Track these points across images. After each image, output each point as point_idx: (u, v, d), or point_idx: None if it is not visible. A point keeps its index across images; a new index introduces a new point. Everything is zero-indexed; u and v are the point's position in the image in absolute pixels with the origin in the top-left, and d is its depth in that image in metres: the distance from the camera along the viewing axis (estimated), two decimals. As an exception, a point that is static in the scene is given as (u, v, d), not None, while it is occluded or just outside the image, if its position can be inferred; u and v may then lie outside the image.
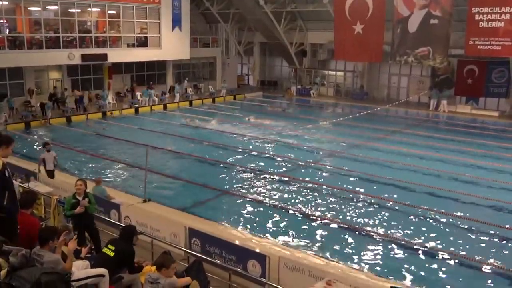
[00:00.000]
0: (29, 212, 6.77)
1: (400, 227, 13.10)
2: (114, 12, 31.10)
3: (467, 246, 12.04)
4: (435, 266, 11.07)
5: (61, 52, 28.07)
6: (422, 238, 12.45)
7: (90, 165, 18.71)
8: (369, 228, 12.99)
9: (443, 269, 10.95)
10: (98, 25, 31.21)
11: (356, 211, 14.26)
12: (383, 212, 14.18)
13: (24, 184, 12.48)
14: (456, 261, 11.33)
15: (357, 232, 12.75)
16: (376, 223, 13.38)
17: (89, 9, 29.98)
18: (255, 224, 13.17)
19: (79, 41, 29.02)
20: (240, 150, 21.24)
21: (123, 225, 9.25)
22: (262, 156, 20.42)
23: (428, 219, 13.76)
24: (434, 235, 12.62)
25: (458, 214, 13.99)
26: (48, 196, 11.33)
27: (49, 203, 10.71)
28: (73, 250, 6.06)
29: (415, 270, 10.83)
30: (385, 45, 31.76)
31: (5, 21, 26.75)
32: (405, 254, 11.62)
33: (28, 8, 27.54)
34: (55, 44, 27.99)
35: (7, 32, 26.74)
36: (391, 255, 11.59)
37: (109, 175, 17.38)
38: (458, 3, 28.25)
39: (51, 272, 4.76)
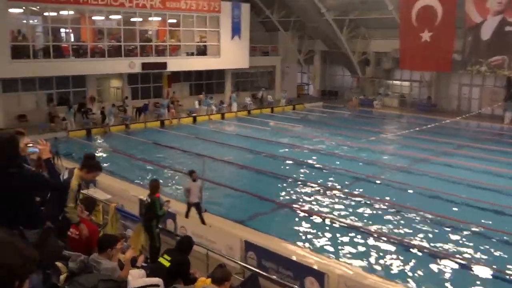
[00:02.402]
0: (88, 218, 7.03)
1: (469, 250, 12.51)
2: (175, 20, 32.02)
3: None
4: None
5: (123, 61, 29.21)
6: (501, 263, 11.82)
7: (147, 172, 19.23)
8: (435, 249, 12.49)
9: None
10: (158, 34, 32.25)
11: (420, 230, 13.77)
12: (450, 234, 13.62)
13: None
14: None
15: (420, 253, 12.30)
16: (441, 243, 12.85)
17: (150, 18, 31.05)
18: (313, 240, 13.03)
19: (140, 50, 30.08)
20: (298, 162, 21.16)
21: (179, 235, 9.40)
22: (320, 169, 20.24)
23: (504, 243, 13.07)
24: None
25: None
26: (106, 203, 11.72)
27: (107, 210, 11.06)
28: (130, 259, 6.21)
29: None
30: (454, 54, 30.72)
31: (71, 30, 28.22)
32: (478, 281, 11.05)
33: (92, 18, 28.90)
34: (117, 52, 29.18)
35: (72, 41, 28.20)
36: (459, 279, 11.08)
37: (166, 184, 17.79)
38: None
39: (108, 280, 4.89)
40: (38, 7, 26.43)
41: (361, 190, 17.30)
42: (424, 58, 31.65)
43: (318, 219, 14.49)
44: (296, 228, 13.85)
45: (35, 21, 28.03)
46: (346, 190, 17.23)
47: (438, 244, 12.79)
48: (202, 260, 9.46)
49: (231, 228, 12.38)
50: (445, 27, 30.41)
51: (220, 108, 34.00)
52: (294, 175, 19.02)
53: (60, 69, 26.67)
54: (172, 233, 11.61)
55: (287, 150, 23.43)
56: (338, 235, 13.35)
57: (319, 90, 43.36)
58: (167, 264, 6.79)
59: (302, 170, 19.98)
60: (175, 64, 31.57)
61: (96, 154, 8.92)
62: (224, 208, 15.10)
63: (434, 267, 11.55)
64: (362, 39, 37.71)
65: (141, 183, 17.45)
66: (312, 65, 43.68)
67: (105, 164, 20.24)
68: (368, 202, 16.07)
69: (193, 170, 13.43)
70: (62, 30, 28.47)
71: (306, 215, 14.89)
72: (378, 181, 18.63)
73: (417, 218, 14.70)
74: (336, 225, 14.11)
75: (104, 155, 22.38)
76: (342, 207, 15.64)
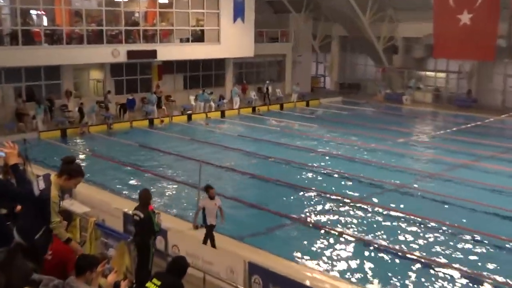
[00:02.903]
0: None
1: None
2: (166, 1, 32.12)
3: None
4: None
5: (104, 48, 29.31)
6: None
7: (133, 181, 19.27)
8: (481, 276, 12.41)
9: None
10: (147, 17, 32.35)
11: (459, 250, 13.71)
12: (495, 255, 13.55)
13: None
14: None
15: (464, 279, 12.22)
16: (486, 268, 12.79)
17: (137, -2, 31.21)
18: (329, 261, 12.99)
19: (125, 35, 30.19)
20: (312, 168, 21.15)
21: (171, 255, 9.40)
22: (339, 176, 20.20)
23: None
24: None
25: None
26: (84, 217, 11.70)
27: (86, 226, 11.06)
28: (113, 283, 6.20)
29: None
30: (499, 39, 30.62)
31: (43, 12, 28.32)
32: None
33: (69, -3, 29.05)
34: (98, 38, 29.30)
35: (44, 25, 28.29)
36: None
37: (155, 193, 17.77)
38: None
39: (87, 309, 4.88)
40: (4, -15, 26.63)
41: (387, 202, 17.23)
42: (462, 45, 31.56)
43: (336, 237, 14.44)
44: (310, 247, 13.80)
45: (1, 1, 28.16)
46: (369, 202, 17.16)
47: (482, 268, 12.73)
48: (198, 285, 9.45)
49: (232, 247, 12.35)
50: (488, 8, 30.32)
51: (220, 104, 34.09)
52: (308, 184, 18.97)
53: (30, 58, 26.73)
54: (162, 253, 11.60)
55: (299, 154, 23.38)
56: (360, 256, 13.29)
57: (338, 83, 43.38)
58: (156, 290, 6.76)
59: (317, 178, 19.94)
60: (167, 52, 31.65)
61: (75, 157, 8.81)
62: (224, 223, 15.07)
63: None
64: (389, 22, 37.66)
65: (126, 193, 17.47)
66: (329, 54, 43.68)
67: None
68: (396, 216, 16.00)
69: (210, 186, 13.08)
70: (33, 12, 28.56)
71: (322, 231, 14.83)
72: (408, 192, 18.56)
73: (457, 236, 14.63)
74: (358, 244, 14.04)
75: (82, 160, 22.43)
76: (365, 222, 15.58)
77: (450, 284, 11.86)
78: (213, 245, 12.44)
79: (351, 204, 17.09)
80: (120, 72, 31.65)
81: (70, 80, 30.02)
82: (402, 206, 16.84)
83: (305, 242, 14.10)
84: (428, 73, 39.09)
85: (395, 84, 39.44)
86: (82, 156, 22.81)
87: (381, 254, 13.43)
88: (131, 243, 10.07)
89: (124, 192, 17.73)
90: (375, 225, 15.32)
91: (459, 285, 11.87)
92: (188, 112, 32.01)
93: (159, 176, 20.02)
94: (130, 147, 24.65)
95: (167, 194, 17.97)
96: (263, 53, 37.92)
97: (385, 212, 16.32)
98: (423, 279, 12.05)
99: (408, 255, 13.28)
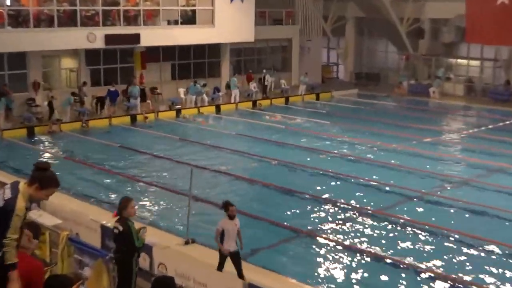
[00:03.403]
0: (29, 252, 7.01)
1: None
2: (151, -24, 32.18)
3: None
4: None
5: (78, 32, 29.29)
6: None
7: (112, 188, 19.31)
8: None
9: None
10: (128, -5, 32.39)
11: (498, 267, 13.74)
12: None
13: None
14: None
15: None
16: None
17: (116, -28, 31.22)
18: (342, 282, 13.01)
19: (103, 16, 30.20)
20: (323, 173, 21.14)
21: (156, 275, 9.42)
22: (353, 182, 20.22)
23: None
24: None
25: None
26: (55, 230, 11.70)
27: (57, 241, 11.07)
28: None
29: None
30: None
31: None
32: None
33: (36, -28, 29.07)
34: (70, 21, 29.31)
35: (7, 4, 28.30)
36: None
37: (139, 203, 17.79)
38: None
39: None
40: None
41: (410, 212, 17.23)
42: (500, 28, 31.50)
43: (350, 253, 14.44)
44: (320, 265, 13.81)
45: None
46: (389, 213, 17.15)
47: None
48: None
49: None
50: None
51: (215, 97, 34.11)
52: (318, 192, 18.98)
53: (-10, 43, 26.87)
54: (147, 273, 11.62)
55: (307, 156, 23.39)
56: (377, 275, 13.31)
57: (353, 72, 43.35)
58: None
59: (328, 185, 19.95)
60: (152, 36, 31.66)
61: (50, 164, 8.35)
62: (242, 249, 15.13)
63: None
64: (414, 1, 37.67)
65: (104, 203, 17.48)
66: (343, 38, 43.65)
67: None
68: (421, 229, 15.99)
69: (229, 202, 12.49)
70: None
71: (334, 247, 14.85)
72: (435, 200, 18.54)
73: (494, 253, 14.65)
74: (376, 261, 14.07)
75: (52, 163, 22.41)
76: (383, 236, 15.61)
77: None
78: (240, 274, 12.02)
79: (369, 215, 17.09)
80: (97, 60, 31.68)
81: (38, 69, 30.03)
82: (428, 217, 16.82)
83: (315, 259, 14.13)
84: (459, 60, 39.06)
85: (420, 74, 39.42)
86: (51, 159, 22.82)
87: (403, 274, 13.47)
88: (110, 261, 10.08)
89: (102, 201, 17.72)
90: (397, 240, 15.30)
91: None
92: (177, 106, 32.03)
93: (143, 182, 20.04)
94: (109, 148, 24.66)
95: (152, 204, 17.97)
96: (265, 37, 37.97)
97: (409, 225, 16.32)
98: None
99: (435, 275, 13.31)
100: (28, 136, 26.45)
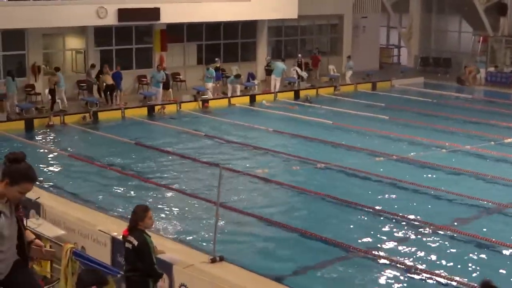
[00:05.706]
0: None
1: None
2: None
3: None
4: None
5: (86, 6, 29.57)
6: None
7: (126, 193, 19.35)
8: None
9: None
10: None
11: None
12: None
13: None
14: None
15: None
16: None
17: None
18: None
19: (115, -12, 30.42)
20: (378, 179, 21.01)
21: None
22: (414, 191, 20.04)
23: None
24: None
25: None
26: (58, 243, 11.73)
27: (60, 256, 11.10)
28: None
29: None
30: None
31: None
32: None
33: None
34: (77, -7, 29.57)
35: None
36: None
37: (156, 210, 17.79)
38: None
39: None
40: None
41: (487, 229, 16.94)
42: None
43: (412, 275, 14.31)
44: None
45: None
46: (461, 230, 16.92)
47: None
48: None
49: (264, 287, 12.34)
50: None
51: (250, 86, 34.06)
52: (372, 202, 18.80)
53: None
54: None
55: (359, 158, 23.22)
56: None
57: (418, 57, 43.10)
58: None
59: (385, 194, 19.84)
60: (174, 12, 31.83)
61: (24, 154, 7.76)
62: (252, 253, 15.07)
63: None
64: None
65: (116, 210, 17.51)
66: (407, 15, 43.36)
67: (54, 179, 20.51)
68: (499, 251, 15.79)
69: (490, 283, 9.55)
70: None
71: (391, 267, 14.72)
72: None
73: None
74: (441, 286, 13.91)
75: (55, 163, 22.63)
76: (454, 257, 15.37)
77: None
78: None
79: (434, 231, 16.92)
80: (108, 40, 31.92)
81: (39, 50, 30.32)
82: (508, 235, 16.56)
83: (367, 282, 14.05)
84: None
85: (501, 59, 38.97)
86: (53, 158, 22.97)
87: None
88: (122, 281, 10.08)
89: (113, 209, 17.73)
90: (469, 263, 15.11)
91: None
92: (204, 96, 32.01)
93: (161, 186, 20.09)
94: (122, 145, 24.83)
95: (172, 212, 17.98)
96: (311, 13, 37.86)
97: (483, 243, 16.10)
98: None
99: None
100: (26, 130, 26.63)
